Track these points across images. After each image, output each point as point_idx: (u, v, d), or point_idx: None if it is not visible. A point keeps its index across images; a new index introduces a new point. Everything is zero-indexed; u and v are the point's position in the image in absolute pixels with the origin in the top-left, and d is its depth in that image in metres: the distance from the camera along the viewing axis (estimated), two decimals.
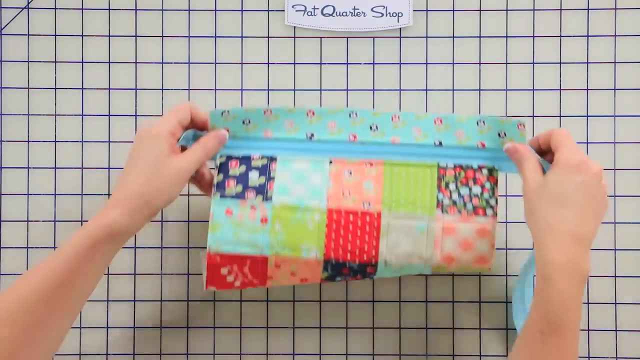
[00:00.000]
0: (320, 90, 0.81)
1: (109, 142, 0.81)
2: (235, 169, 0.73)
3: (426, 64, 0.81)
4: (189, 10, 0.81)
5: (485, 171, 0.74)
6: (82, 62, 0.81)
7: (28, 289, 0.63)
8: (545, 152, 0.71)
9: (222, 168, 0.73)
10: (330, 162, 0.74)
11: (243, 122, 0.73)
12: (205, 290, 0.73)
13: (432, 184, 0.73)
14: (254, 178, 0.73)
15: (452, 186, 0.73)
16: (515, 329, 0.79)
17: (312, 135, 0.74)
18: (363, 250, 0.72)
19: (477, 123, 0.74)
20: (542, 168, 0.70)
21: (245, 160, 0.74)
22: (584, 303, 0.80)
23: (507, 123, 0.73)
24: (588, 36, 0.81)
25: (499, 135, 0.73)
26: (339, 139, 0.74)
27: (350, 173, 0.74)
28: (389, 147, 0.74)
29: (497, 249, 0.80)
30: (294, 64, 0.81)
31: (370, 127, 0.74)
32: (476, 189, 0.73)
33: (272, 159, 0.74)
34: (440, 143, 0.74)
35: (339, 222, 0.72)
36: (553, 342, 0.65)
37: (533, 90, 0.81)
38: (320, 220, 0.72)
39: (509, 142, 0.73)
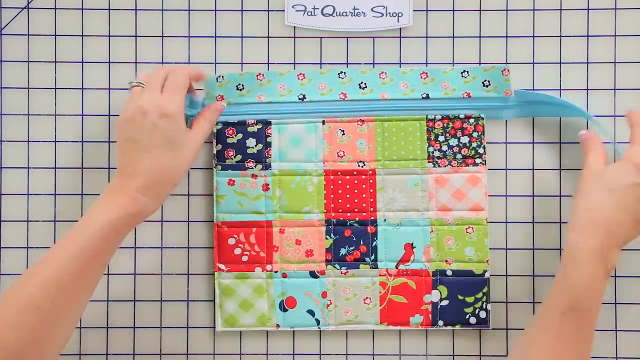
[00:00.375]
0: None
1: (109, 141, 0.81)
2: (233, 137, 0.78)
3: (426, 64, 0.81)
4: (189, 10, 0.81)
5: (472, 120, 0.78)
6: (82, 62, 0.81)
7: (47, 277, 0.64)
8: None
9: (220, 136, 0.78)
10: (323, 122, 0.78)
11: (237, 88, 0.78)
12: (216, 273, 0.77)
13: (422, 137, 0.78)
14: (252, 145, 0.78)
15: (441, 138, 0.78)
16: (515, 329, 0.79)
17: (304, 96, 0.79)
18: (362, 208, 0.77)
19: (462, 74, 0.78)
20: (605, 159, 0.72)
21: (241, 126, 0.78)
22: None
23: (492, 70, 0.77)
24: (588, 36, 0.81)
25: (484, 84, 0.78)
26: (329, 98, 0.79)
27: (343, 133, 0.78)
28: (378, 103, 0.79)
29: (497, 249, 0.80)
30: (294, 63, 0.81)
31: (359, 85, 0.79)
32: (464, 139, 0.77)
33: (266, 124, 0.78)
34: (427, 96, 0.78)
35: (336, 182, 0.78)
36: (572, 324, 0.66)
37: (533, 90, 0.81)
38: (318, 183, 0.77)
39: (584, 130, 0.76)
